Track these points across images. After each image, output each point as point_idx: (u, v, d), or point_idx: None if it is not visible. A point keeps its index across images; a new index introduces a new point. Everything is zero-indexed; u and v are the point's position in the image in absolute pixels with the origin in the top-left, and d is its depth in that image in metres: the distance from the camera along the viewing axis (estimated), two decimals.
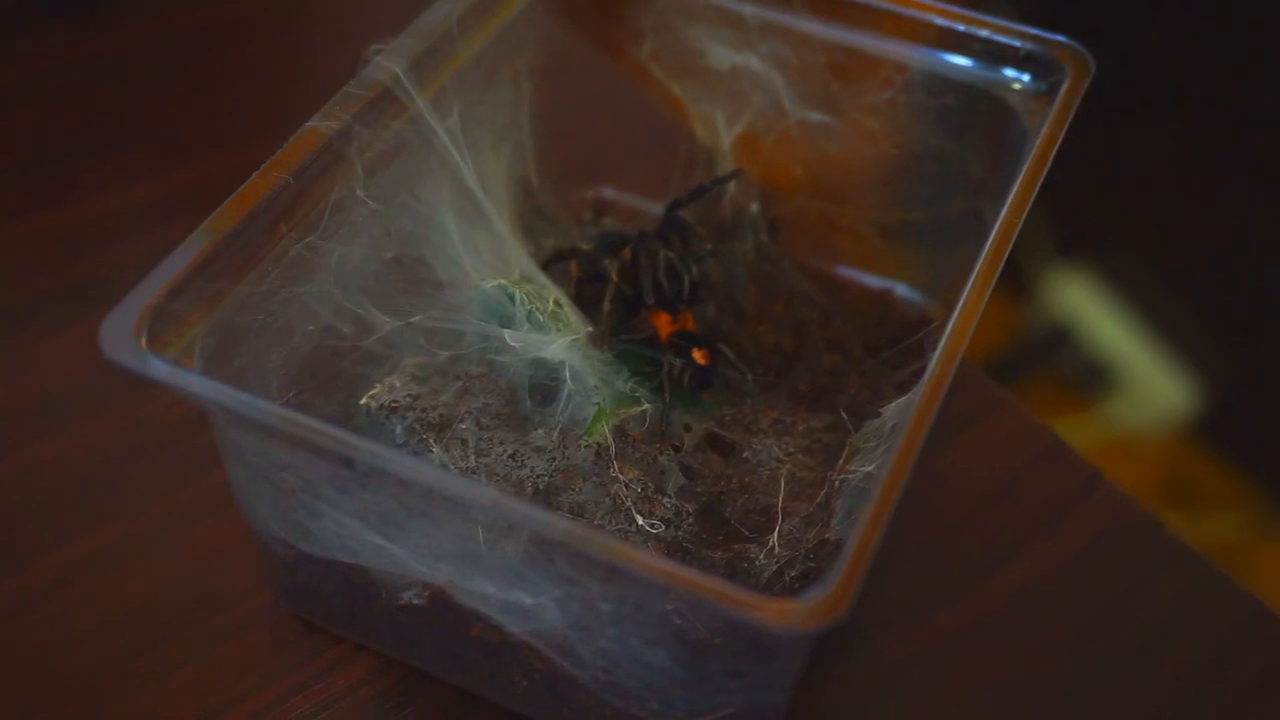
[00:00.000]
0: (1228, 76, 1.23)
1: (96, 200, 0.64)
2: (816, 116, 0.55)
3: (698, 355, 0.49)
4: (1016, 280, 1.41)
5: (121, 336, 0.40)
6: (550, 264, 0.52)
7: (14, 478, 0.53)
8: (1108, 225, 1.39)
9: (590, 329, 0.49)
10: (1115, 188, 1.34)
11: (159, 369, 0.39)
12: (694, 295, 0.51)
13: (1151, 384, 1.36)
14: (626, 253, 0.51)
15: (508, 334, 0.48)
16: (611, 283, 0.50)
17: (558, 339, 0.48)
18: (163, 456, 0.53)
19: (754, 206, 0.57)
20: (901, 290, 0.58)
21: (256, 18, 0.75)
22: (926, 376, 0.42)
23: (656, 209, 0.59)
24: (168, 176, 0.64)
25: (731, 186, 0.57)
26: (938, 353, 0.42)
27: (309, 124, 0.46)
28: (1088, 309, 1.38)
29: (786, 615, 0.36)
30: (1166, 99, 1.27)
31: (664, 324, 0.50)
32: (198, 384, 0.39)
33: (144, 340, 0.40)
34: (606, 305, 0.49)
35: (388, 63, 0.48)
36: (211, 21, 0.74)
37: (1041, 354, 1.41)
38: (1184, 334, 1.35)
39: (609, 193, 0.61)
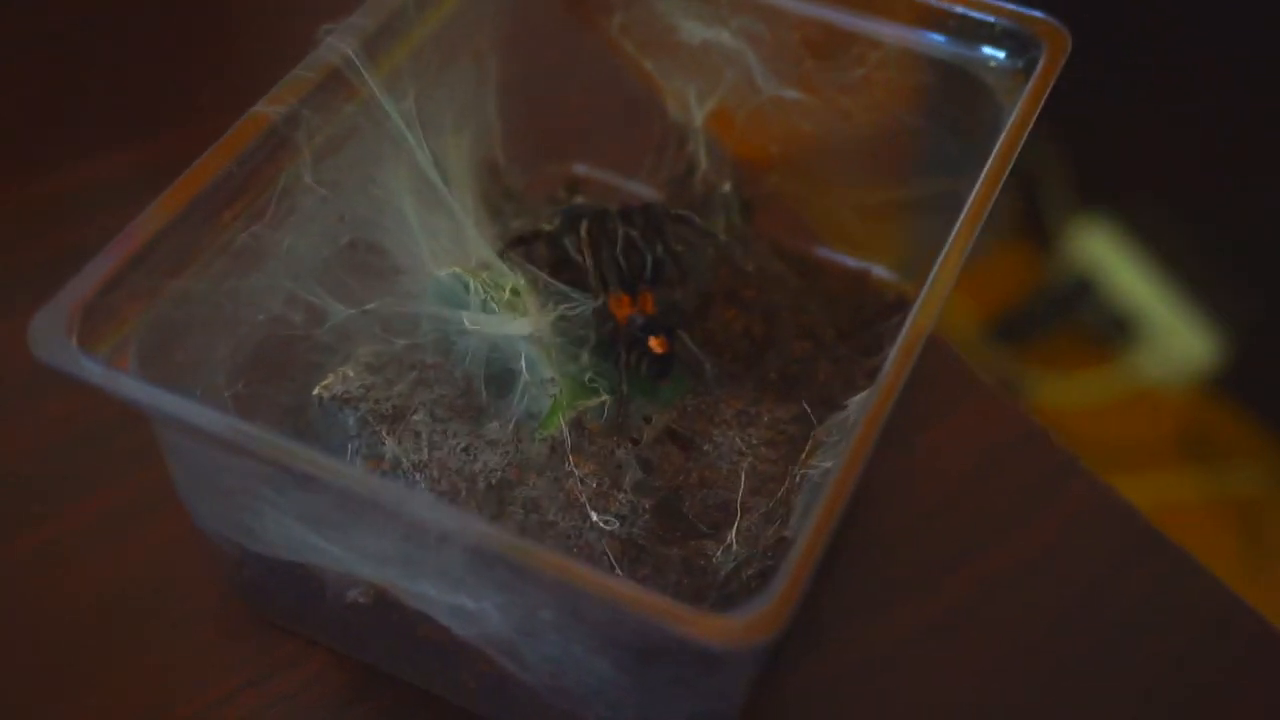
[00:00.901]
0: (1250, 26, 1.20)
1: (55, 176, 0.62)
2: (790, 93, 0.53)
3: (654, 344, 0.47)
4: (1038, 232, 1.40)
5: (51, 334, 0.39)
6: (511, 248, 0.51)
7: None
8: (1130, 176, 1.37)
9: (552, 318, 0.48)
10: (1137, 138, 1.32)
11: (90, 369, 0.38)
12: (657, 276, 0.49)
13: (1173, 336, 1.35)
14: (584, 229, 0.49)
15: (466, 316, 0.47)
16: (584, 255, 0.48)
17: (515, 320, 0.47)
18: (113, 445, 0.52)
19: (726, 186, 0.55)
20: (879, 271, 0.56)
21: None
22: (883, 373, 0.40)
23: (631, 185, 0.58)
24: (131, 151, 0.63)
25: (703, 163, 0.55)
26: (896, 347, 0.41)
27: (254, 109, 0.45)
28: (1110, 261, 1.37)
29: (721, 631, 0.35)
30: (1188, 48, 1.25)
31: (623, 306, 0.48)
32: (127, 385, 0.39)
33: (75, 338, 0.39)
34: (589, 262, 0.48)
35: (339, 43, 0.47)
36: None
37: (1063, 306, 1.40)
38: (1206, 286, 1.33)
39: (581, 169, 0.59)
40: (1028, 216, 1.39)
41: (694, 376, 0.50)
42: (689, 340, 0.49)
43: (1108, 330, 1.38)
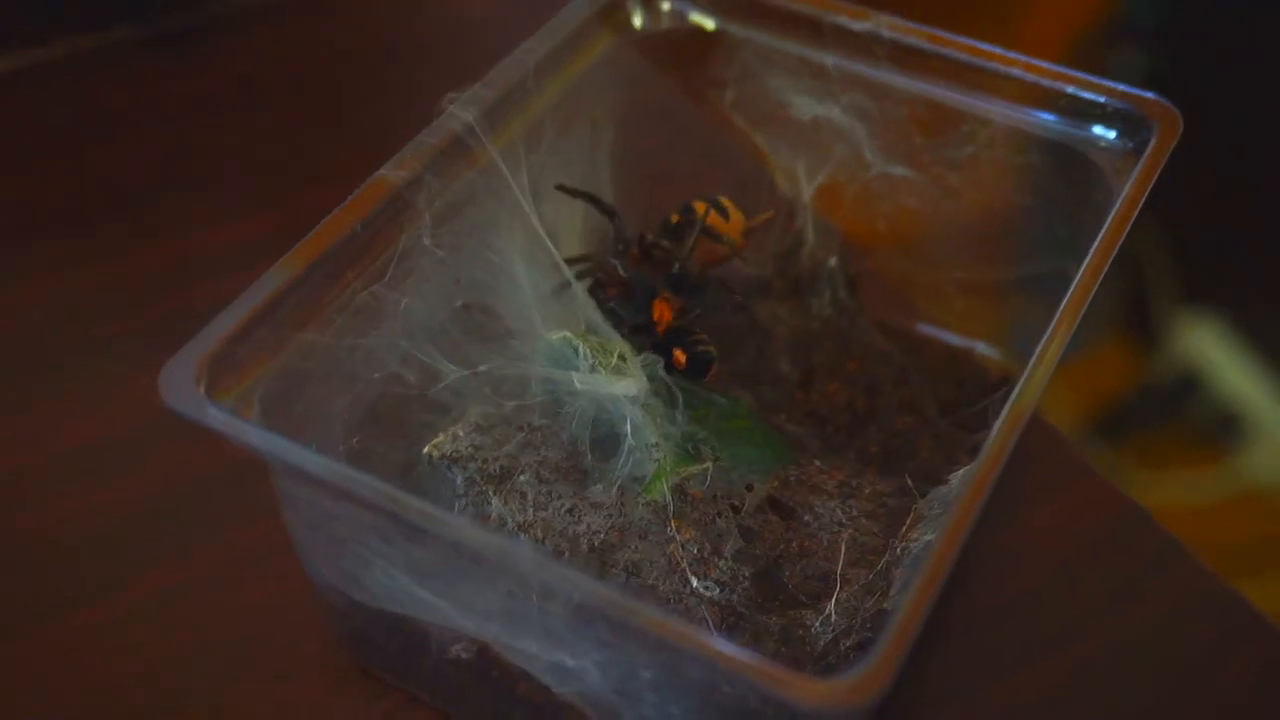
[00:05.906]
0: None
1: (190, 237, 0.65)
2: (899, 170, 0.54)
3: (678, 355, 0.49)
4: (1143, 327, 1.38)
5: (180, 383, 0.40)
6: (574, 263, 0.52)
7: (87, 513, 0.54)
8: (1238, 273, 1.35)
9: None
10: (1246, 234, 1.30)
11: (215, 417, 0.40)
12: (686, 288, 0.50)
13: None
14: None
15: (576, 376, 0.48)
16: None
17: (625, 379, 0.48)
18: (232, 496, 0.54)
19: (833, 261, 0.56)
20: (983, 349, 0.57)
21: (354, 58, 0.76)
22: (986, 446, 0.40)
23: (737, 261, 0.58)
24: (263, 215, 0.65)
25: (810, 238, 0.56)
26: (1000, 422, 0.41)
27: (379, 173, 0.47)
28: (1217, 358, 1.35)
29: (821, 695, 0.35)
30: None
31: (660, 322, 0.50)
32: (253, 434, 0.40)
33: (203, 387, 0.40)
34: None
35: (461, 111, 0.48)
36: (308, 62, 0.75)
37: (1168, 403, 1.38)
38: None
39: None
40: (1133, 311, 1.38)
41: (797, 447, 0.50)
42: (704, 337, 0.49)
43: (1214, 429, 1.36)
